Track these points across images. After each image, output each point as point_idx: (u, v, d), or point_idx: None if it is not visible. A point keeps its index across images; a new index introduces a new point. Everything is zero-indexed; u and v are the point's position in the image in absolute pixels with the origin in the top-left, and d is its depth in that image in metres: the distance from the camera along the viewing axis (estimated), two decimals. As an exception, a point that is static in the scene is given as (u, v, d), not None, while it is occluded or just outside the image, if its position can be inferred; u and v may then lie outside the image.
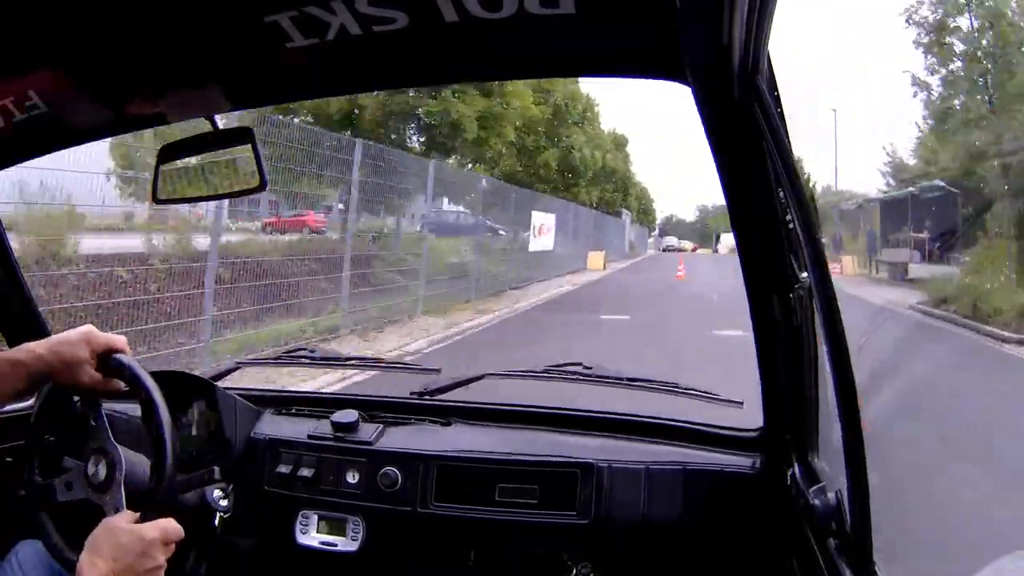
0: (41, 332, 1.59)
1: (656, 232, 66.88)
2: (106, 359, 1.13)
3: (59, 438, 1.25)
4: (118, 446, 1.24)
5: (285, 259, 7.75)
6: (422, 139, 13.05)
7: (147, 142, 6.11)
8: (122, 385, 1.17)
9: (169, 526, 1.01)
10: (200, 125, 1.12)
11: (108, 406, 1.57)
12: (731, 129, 0.90)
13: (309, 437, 1.48)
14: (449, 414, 1.55)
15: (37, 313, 1.58)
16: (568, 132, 20.90)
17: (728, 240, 60.99)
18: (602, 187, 28.07)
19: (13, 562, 1.25)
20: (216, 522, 1.38)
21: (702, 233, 73.90)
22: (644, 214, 56.55)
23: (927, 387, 5.20)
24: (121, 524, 0.99)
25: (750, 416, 1.37)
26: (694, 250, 62.53)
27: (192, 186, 1.16)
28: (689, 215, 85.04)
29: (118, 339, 1.14)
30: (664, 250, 54.09)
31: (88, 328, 1.13)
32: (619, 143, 31.41)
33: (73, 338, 1.10)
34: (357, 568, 1.43)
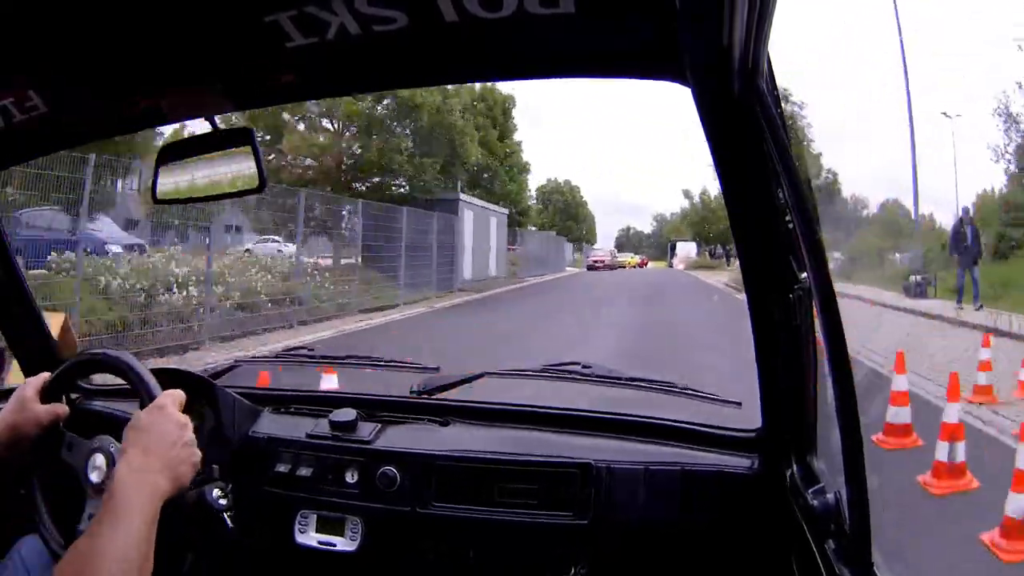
0: (41, 332, 1.59)
1: (606, 246, 54.80)
2: (49, 391, 1.24)
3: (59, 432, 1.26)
4: (118, 450, 1.25)
5: None
6: None
7: None
8: (65, 408, 1.24)
9: (173, 392, 1.10)
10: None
11: (108, 404, 1.58)
12: (731, 129, 0.90)
13: (308, 436, 1.48)
14: (448, 413, 1.55)
15: (38, 313, 1.58)
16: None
17: (685, 250, 45.92)
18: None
19: (16, 558, 1.27)
20: (230, 523, 1.38)
21: (660, 244, 64.02)
22: (574, 220, 49.21)
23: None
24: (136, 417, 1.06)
25: (748, 416, 1.37)
26: (642, 264, 48.80)
27: (191, 186, 1.16)
28: (647, 227, 77.88)
29: (45, 374, 1.26)
30: (591, 267, 37.77)
31: (26, 381, 1.25)
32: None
33: (16, 394, 1.22)
34: (356, 568, 1.42)
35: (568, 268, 37.47)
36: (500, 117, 23.38)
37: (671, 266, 44.01)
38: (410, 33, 0.85)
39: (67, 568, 0.84)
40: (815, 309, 0.93)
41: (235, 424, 1.49)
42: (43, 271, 7.71)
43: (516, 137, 25.60)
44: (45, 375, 1.25)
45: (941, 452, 3.82)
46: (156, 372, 1.30)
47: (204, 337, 8.91)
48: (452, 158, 17.66)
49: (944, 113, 23.49)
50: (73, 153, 7.28)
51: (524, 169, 27.64)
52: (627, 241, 75.67)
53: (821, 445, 1.10)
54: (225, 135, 1.12)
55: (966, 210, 12.99)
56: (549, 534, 1.36)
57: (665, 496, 1.33)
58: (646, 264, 50.80)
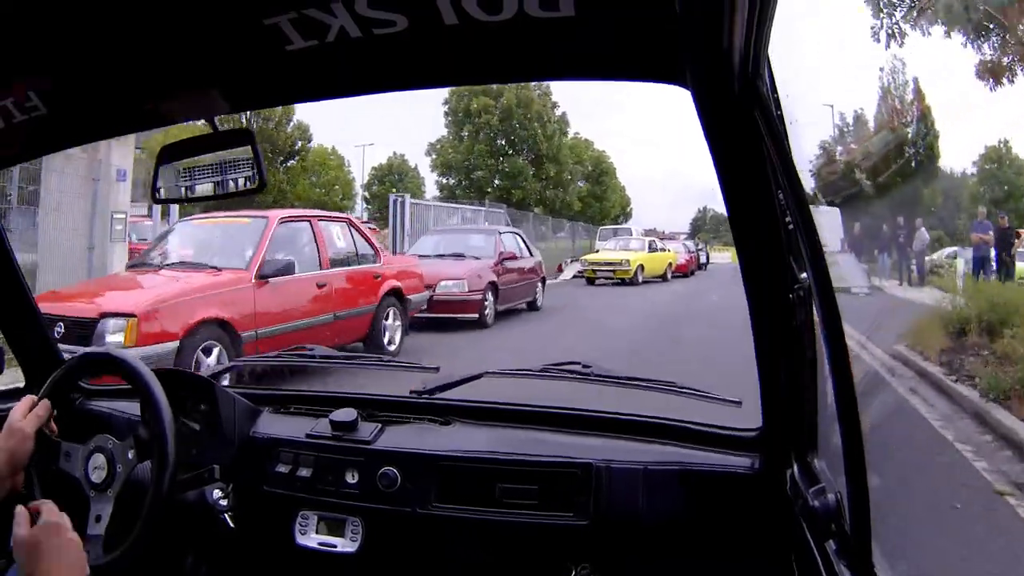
0: (41, 332, 1.59)
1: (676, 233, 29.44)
2: (52, 391, 1.26)
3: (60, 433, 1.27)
4: (117, 446, 1.25)
5: None
6: None
7: None
8: (52, 426, 1.24)
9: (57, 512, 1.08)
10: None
11: (109, 405, 1.59)
12: (731, 132, 0.90)
13: (308, 436, 1.48)
14: (448, 413, 1.55)
15: (38, 313, 1.58)
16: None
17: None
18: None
19: None
20: (232, 524, 1.39)
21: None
22: (537, 164, 25.61)
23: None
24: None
25: (749, 416, 1.37)
26: (685, 266, 19.18)
27: (191, 186, 1.17)
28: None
29: (31, 396, 1.26)
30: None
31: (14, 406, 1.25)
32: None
33: (7, 423, 1.22)
34: (356, 569, 1.42)
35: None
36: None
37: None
38: (410, 36, 0.85)
39: None
40: (815, 308, 0.93)
41: (235, 424, 1.49)
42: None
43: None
44: (31, 397, 1.25)
45: None
46: (156, 373, 1.30)
47: None
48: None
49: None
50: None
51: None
52: (704, 225, 57.81)
53: (822, 445, 1.10)
54: (225, 136, 1.12)
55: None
56: (550, 534, 1.36)
57: (665, 496, 1.33)
58: (691, 268, 20.52)
